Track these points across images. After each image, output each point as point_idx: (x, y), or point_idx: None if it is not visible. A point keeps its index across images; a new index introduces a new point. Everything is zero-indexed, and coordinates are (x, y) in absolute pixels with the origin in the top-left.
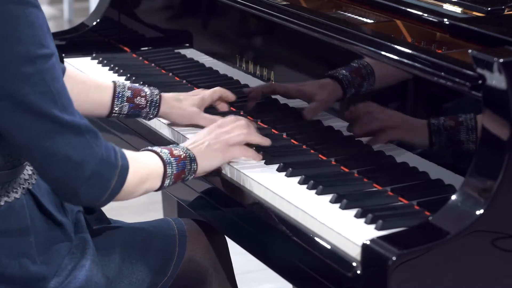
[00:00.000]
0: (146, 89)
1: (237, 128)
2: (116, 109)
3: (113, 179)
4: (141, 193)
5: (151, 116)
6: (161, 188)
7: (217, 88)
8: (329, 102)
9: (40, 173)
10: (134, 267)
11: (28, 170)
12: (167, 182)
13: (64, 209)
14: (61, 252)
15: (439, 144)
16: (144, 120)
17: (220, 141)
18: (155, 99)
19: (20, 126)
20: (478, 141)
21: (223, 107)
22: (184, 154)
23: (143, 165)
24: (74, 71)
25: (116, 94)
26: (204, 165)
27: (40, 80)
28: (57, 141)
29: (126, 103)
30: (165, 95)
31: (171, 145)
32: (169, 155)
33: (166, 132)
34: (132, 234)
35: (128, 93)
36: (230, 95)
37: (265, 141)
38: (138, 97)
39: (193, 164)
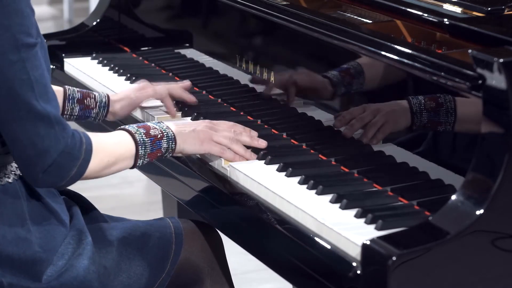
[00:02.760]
0: (95, 92)
1: (227, 131)
2: (67, 110)
3: (72, 170)
4: (111, 173)
5: (101, 117)
6: (134, 167)
7: (169, 87)
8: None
9: (9, 150)
10: (132, 262)
11: None
12: (140, 161)
13: (57, 198)
14: (57, 238)
15: (420, 123)
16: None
17: (205, 132)
18: (103, 100)
19: None
20: (478, 141)
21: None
22: (161, 134)
23: (112, 150)
24: None
25: (66, 97)
26: (181, 147)
27: (22, 67)
28: (27, 128)
29: (76, 105)
30: (113, 96)
31: (152, 123)
32: (143, 135)
33: None
34: (129, 230)
35: (78, 95)
36: (186, 96)
37: (250, 156)
38: (88, 99)
39: (170, 143)
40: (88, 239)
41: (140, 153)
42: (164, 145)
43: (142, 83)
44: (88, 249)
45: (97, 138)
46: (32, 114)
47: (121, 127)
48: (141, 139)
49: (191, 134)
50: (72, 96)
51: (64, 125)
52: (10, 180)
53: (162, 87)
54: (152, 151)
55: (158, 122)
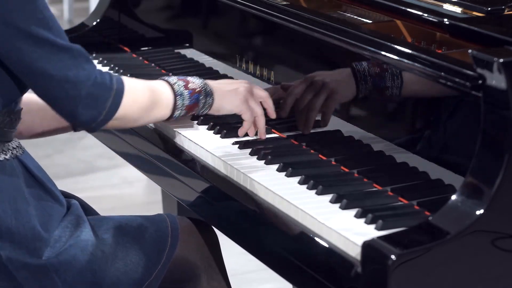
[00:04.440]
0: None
1: (261, 97)
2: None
3: (108, 101)
4: (149, 121)
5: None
6: (171, 117)
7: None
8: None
9: (41, 95)
10: (128, 251)
11: (15, 142)
12: (177, 113)
13: (53, 183)
14: (54, 216)
15: (365, 90)
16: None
17: (245, 94)
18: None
19: (21, 51)
20: (478, 141)
21: None
22: (200, 88)
23: (148, 94)
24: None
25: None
26: (219, 103)
27: (35, 7)
28: (55, 63)
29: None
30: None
31: (191, 77)
32: (182, 87)
33: (168, 132)
34: (126, 221)
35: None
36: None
37: (273, 113)
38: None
39: (208, 98)
40: (86, 223)
41: (178, 103)
42: (202, 99)
43: None
44: (86, 232)
45: (130, 79)
46: (55, 47)
47: (162, 77)
48: (179, 90)
49: (231, 93)
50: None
51: (89, 58)
52: (7, 157)
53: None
54: (190, 103)
55: (197, 77)
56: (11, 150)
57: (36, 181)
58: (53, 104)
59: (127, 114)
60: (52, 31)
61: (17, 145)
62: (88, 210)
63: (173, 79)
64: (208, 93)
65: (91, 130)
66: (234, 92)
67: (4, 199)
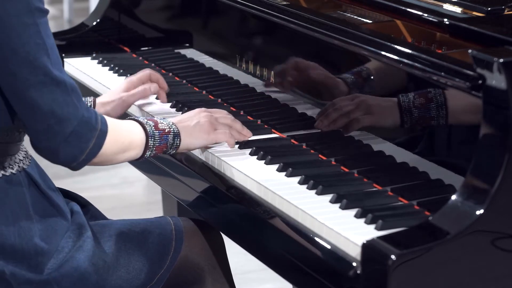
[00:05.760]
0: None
1: (224, 115)
2: None
3: (91, 141)
4: (122, 161)
5: None
6: (142, 158)
7: (146, 71)
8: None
9: (25, 124)
10: (130, 257)
11: (22, 153)
12: (148, 153)
13: (58, 194)
14: (58, 231)
15: (410, 122)
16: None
17: (208, 121)
18: (88, 104)
19: (14, 76)
20: (478, 141)
21: (161, 95)
22: (168, 129)
23: (125, 135)
24: None
25: None
26: (187, 142)
27: (36, 32)
28: (45, 94)
29: None
30: (101, 98)
31: (157, 118)
32: (153, 127)
33: None
34: (129, 226)
35: None
36: (161, 80)
37: (248, 133)
38: None
39: (176, 139)
40: (88, 233)
41: (149, 144)
42: (170, 140)
43: (126, 84)
44: (88, 242)
45: (111, 119)
46: (49, 78)
47: (131, 117)
48: (151, 131)
49: (196, 128)
50: None
51: (80, 95)
52: (14, 171)
53: (144, 76)
54: (160, 144)
55: (163, 118)
56: (17, 163)
57: (42, 194)
58: (35, 137)
59: (106, 153)
60: (50, 59)
61: (24, 155)
62: (91, 210)
63: (143, 119)
64: (175, 134)
65: (72, 168)
66: (198, 126)
67: (8, 215)
